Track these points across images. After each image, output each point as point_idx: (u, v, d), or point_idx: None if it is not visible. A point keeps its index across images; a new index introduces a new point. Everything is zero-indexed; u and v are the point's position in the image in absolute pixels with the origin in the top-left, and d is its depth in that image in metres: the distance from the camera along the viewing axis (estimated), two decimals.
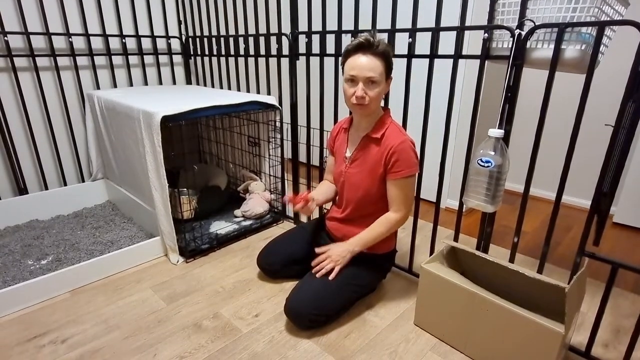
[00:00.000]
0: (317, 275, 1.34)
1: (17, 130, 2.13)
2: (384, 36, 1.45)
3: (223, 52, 2.32)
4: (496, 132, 1.15)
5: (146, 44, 2.55)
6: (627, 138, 1.15)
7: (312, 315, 1.30)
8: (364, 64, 1.22)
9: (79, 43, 2.26)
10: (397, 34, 1.48)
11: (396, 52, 1.49)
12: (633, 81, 1.00)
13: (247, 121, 2.21)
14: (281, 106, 2.02)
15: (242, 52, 2.17)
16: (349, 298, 1.40)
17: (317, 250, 1.43)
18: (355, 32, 1.57)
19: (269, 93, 2.05)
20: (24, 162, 2.17)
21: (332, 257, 1.37)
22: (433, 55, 1.39)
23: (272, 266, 1.61)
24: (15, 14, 2.02)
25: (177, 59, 2.74)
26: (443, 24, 1.34)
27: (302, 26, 1.90)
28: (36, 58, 2.10)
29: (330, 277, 1.33)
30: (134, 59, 2.52)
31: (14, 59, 2.03)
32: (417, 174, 1.37)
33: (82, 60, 2.29)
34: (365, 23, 1.63)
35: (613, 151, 1.08)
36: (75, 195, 2.25)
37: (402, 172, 1.30)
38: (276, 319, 1.40)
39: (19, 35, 2.04)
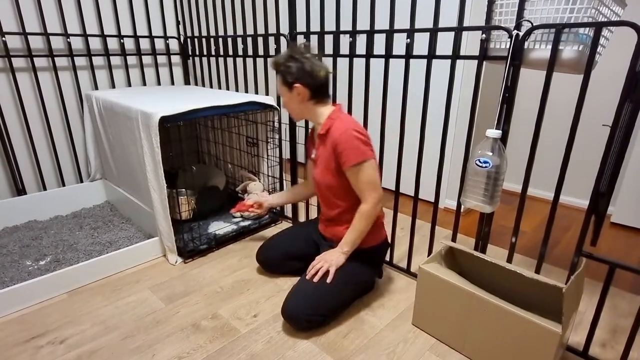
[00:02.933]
0: (315, 280, 1.34)
1: (15, 131, 2.12)
2: (381, 37, 1.45)
3: (221, 53, 2.32)
4: (494, 133, 1.15)
5: (144, 44, 2.54)
6: (624, 138, 1.16)
7: (308, 316, 1.31)
8: None
9: (77, 43, 2.25)
10: (395, 35, 1.48)
11: (394, 53, 1.49)
12: (630, 81, 1.01)
13: (246, 121, 2.21)
14: (279, 106, 2.02)
15: (240, 52, 2.17)
16: (344, 296, 1.40)
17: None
18: (353, 33, 1.58)
19: (267, 93, 2.05)
20: (22, 162, 2.17)
21: (327, 260, 1.38)
22: (431, 55, 1.39)
23: (270, 260, 1.63)
24: (13, 14, 2.02)
25: (176, 59, 2.73)
26: (441, 25, 1.34)
27: (300, 26, 1.90)
28: (34, 58, 2.09)
29: (328, 280, 1.33)
30: (132, 60, 2.51)
31: (12, 59, 2.03)
32: (371, 159, 1.32)
33: (80, 61, 2.28)
34: (363, 23, 1.63)
35: (610, 151, 1.08)
36: (73, 195, 2.25)
37: (350, 161, 1.30)
38: (275, 319, 1.40)
39: (17, 36, 2.04)
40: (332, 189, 1.42)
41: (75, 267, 1.56)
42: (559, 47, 1.09)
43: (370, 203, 1.34)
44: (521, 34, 1.13)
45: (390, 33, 1.48)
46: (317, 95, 1.38)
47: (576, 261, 1.19)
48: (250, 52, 2.12)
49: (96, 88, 2.36)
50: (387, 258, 1.75)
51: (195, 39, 2.54)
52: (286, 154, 2.07)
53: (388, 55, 1.50)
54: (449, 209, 2.39)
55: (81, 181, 2.39)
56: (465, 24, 1.31)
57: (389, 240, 1.58)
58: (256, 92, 2.18)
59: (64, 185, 2.32)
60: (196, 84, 2.79)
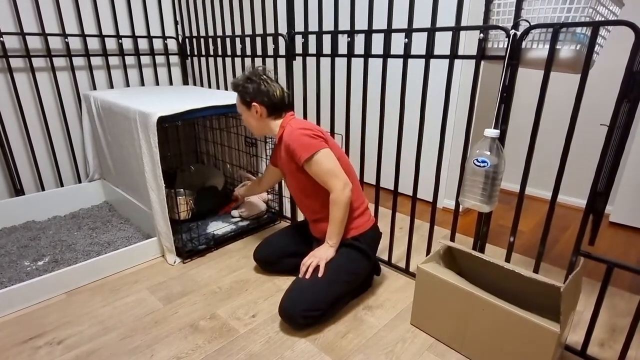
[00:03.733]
0: (306, 276, 1.37)
1: (13, 131, 2.12)
2: (379, 37, 1.45)
3: (220, 53, 2.32)
4: (492, 132, 1.15)
5: (143, 44, 2.54)
6: (622, 137, 1.16)
7: (304, 311, 1.31)
8: None
9: (75, 44, 2.25)
10: (393, 34, 1.48)
11: (392, 52, 1.49)
12: (627, 81, 1.01)
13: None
14: None
15: (238, 52, 2.17)
16: (339, 288, 1.39)
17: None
18: (351, 33, 1.58)
19: None
20: (20, 163, 2.17)
21: (316, 255, 1.41)
22: (429, 55, 1.39)
23: (267, 257, 1.65)
24: (10, 15, 2.01)
25: (174, 59, 2.73)
26: (439, 25, 1.34)
27: (299, 26, 1.90)
28: (32, 59, 2.09)
29: (320, 274, 1.36)
30: (130, 60, 2.51)
31: (10, 59, 2.02)
32: (322, 149, 1.36)
33: (78, 61, 2.28)
34: (361, 23, 1.63)
35: (608, 151, 1.08)
36: (71, 196, 2.25)
37: (302, 156, 1.36)
38: (273, 319, 1.40)
39: (15, 36, 2.03)
40: (303, 190, 1.48)
41: (74, 268, 1.56)
42: (557, 47, 1.09)
43: (336, 190, 1.37)
44: (519, 33, 1.13)
45: (388, 33, 1.48)
46: (274, 112, 1.48)
47: (574, 260, 1.19)
48: (248, 52, 2.13)
49: (94, 88, 2.36)
50: (386, 257, 1.75)
51: (194, 39, 2.54)
52: None
53: (386, 55, 1.50)
54: (448, 209, 2.39)
55: (79, 181, 2.39)
56: (463, 23, 1.31)
57: (382, 232, 1.58)
58: None
59: (62, 185, 2.32)
60: (194, 84, 2.79)
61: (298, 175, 1.45)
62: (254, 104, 1.45)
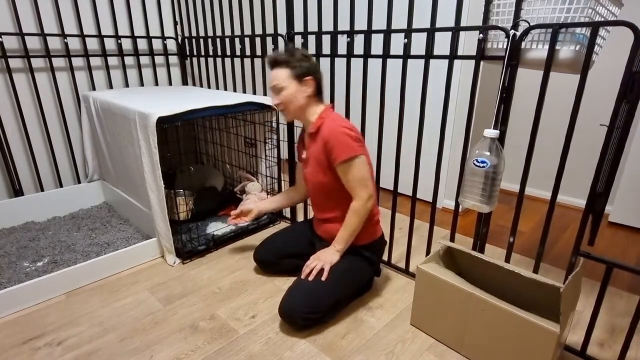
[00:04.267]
0: (310, 279, 1.35)
1: (12, 132, 2.12)
2: (379, 37, 1.45)
3: (219, 53, 2.31)
4: (491, 133, 1.15)
5: (142, 44, 2.54)
6: (621, 138, 1.16)
7: (305, 313, 1.31)
8: (270, 77, 1.44)
9: (74, 44, 2.25)
10: (393, 35, 1.48)
11: (392, 53, 1.49)
12: (627, 81, 1.01)
13: (244, 122, 2.21)
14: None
15: (238, 52, 2.17)
16: (340, 293, 1.40)
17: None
18: (351, 33, 1.58)
19: (265, 94, 2.05)
20: (19, 163, 2.16)
21: (320, 258, 1.40)
22: (429, 55, 1.39)
23: (267, 258, 1.64)
24: (9, 15, 2.01)
25: (173, 59, 2.73)
26: (438, 25, 1.34)
27: (298, 27, 1.90)
28: (31, 59, 2.09)
29: (323, 278, 1.35)
30: (129, 60, 2.51)
31: (9, 60, 2.02)
32: (361, 156, 1.34)
33: (77, 61, 2.28)
34: (360, 23, 1.63)
35: (607, 151, 1.08)
36: (71, 196, 2.24)
37: (340, 156, 1.33)
38: (273, 320, 1.40)
39: (14, 36, 2.03)
40: (324, 188, 1.44)
41: (73, 268, 1.56)
42: (556, 47, 1.10)
43: (361, 200, 1.36)
44: (518, 33, 1.13)
45: (387, 33, 1.48)
46: (318, 92, 1.44)
47: (574, 261, 1.19)
48: (248, 53, 2.12)
49: (94, 89, 2.35)
50: (385, 258, 1.75)
51: (193, 39, 2.53)
52: (284, 155, 2.07)
53: (386, 55, 1.50)
54: (447, 209, 2.39)
55: (79, 182, 2.39)
56: (463, 24, 1.31)
57: (387, 240, 1.58)
58: (254, 93, 2.17)
59: (61, 186, 2.32)
60: (194, 84, 2.79)
61: (325, 172, 1.41)
62: (307, 78, 1.40)
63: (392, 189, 1.65)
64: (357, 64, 1.80)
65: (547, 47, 1.11)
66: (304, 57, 1.41)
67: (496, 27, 1.19)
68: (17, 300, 1.44)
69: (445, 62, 1.34)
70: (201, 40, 2.44)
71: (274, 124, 2.03)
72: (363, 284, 1.53)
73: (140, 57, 2.55)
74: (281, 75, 1.41)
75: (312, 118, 1.44)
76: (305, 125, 1.50)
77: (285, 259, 1.63)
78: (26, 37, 2.05)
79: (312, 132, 1.43)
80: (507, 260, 1.33)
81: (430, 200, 1.56)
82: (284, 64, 1.40)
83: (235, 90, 2.34)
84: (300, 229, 1.69)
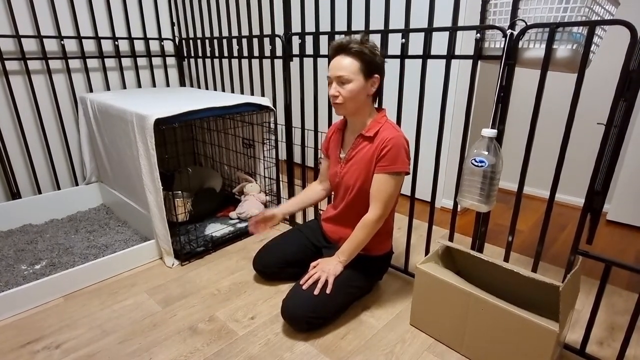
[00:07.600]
0: (315, 292, 1.30)
1: (9, 134, 2.11)
2: (376, 37, 1.45)
3: (217, 54, 2.31)
4: (489, 132, 1.15)
5: (139, 46, 2.54)
6: (619, 136, 1.16)
7: (309, 318, 1.30)
8: (336, 64, 1.29)
9: (71, 46, 2.24)
10: (390, 35, 1.48)
11: (389, 53, 1.49)
12: (624, 80, 1.01)
13: (241, 123, 2.20)
14: (275, 107, 2.02)
15: (235, 53, 2.17)
16: (346, 300, 1.40)
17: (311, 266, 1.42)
18: (348, 33, 1.57)
19: (262, 94, 2.05)
20: (16, 166, 2.16)
21: (324, 269, 1.36)
22: (426, 55, 1.39)
23: (268, 268, 1.60)
24: (6, 17, 2.00)
25: (171, 61, 2.73)
26: (436, 25, 1.34)
27: (295, 27, 1.90)
28: (28, 61, 2.08)
29: (328, 291, 1.31)
30: (127, 62, 2.50)
31: (5, 62, 2.01)
32: (404, 175, 1.33)
33: (74, 63, 2.27)
34: (358, 24, 1.63)
35: (605, 149, 1.08)
36: (69, 199, 2.24)
37: (388, 166, 1.30)
38: (272, 321, 1.40)
39: (10, 39, 2.02)
40: (363, 192, 1.38)
41: (71, 271, 1.55)
42: (553, 46, 1.10)
43: (375, 215, 1.33)
44: (515, 33, 1.14)
45: (385, 33, 1.48)
46: (377, 94, 1.39)
47: (572, 259, 1.19)
48: (245, 53, 2.12)
49: (91, 90, 2.35)
50: None
51: (190, 41, 2.53)
52: (282, 155, 2.06)
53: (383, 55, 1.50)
54: (446, 209, 2.39)
55: (76, 184, 2.38)
56: (460, 23, 1.31)
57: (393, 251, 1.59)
58: (252, 94, 2.17)
59: (59, 188, 2.31)
60: (191, 86, 2.78)
61: (368, 176, 1.35)
62: (375, 75, 1.30)
63: None
64: None
65: (544, 46, 1.11)
66: (375, 50, 1.28)
67: (493, 27, 1.19)
68: (15, 303, 1.44)
69: (442, 62, 1.34)
70: (198, 41, 2.44)
71: (272, 125, 2.03)
72: (367, 290, 1.55)
73: (138, 59, 2.54)
74: (351, 67, 1.26)
75: (367, 120, 1.37)
76: (354, 125, 1.41)
77: (286, 268, 1.58)
78: (23, 39, 2.04)
79: (368, 136, 1.35)
80: (506, 259, 1.33)
81: (429, 200, 1.56)
82: (356, 54, 1.26)
83: (232, 91, 2.34)
84: (299, 235, 1.63)
